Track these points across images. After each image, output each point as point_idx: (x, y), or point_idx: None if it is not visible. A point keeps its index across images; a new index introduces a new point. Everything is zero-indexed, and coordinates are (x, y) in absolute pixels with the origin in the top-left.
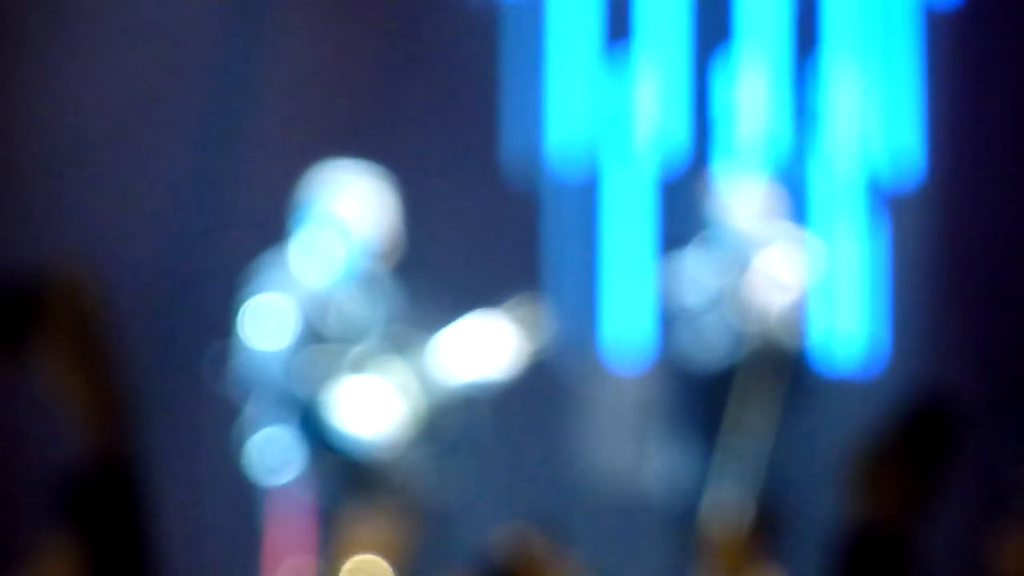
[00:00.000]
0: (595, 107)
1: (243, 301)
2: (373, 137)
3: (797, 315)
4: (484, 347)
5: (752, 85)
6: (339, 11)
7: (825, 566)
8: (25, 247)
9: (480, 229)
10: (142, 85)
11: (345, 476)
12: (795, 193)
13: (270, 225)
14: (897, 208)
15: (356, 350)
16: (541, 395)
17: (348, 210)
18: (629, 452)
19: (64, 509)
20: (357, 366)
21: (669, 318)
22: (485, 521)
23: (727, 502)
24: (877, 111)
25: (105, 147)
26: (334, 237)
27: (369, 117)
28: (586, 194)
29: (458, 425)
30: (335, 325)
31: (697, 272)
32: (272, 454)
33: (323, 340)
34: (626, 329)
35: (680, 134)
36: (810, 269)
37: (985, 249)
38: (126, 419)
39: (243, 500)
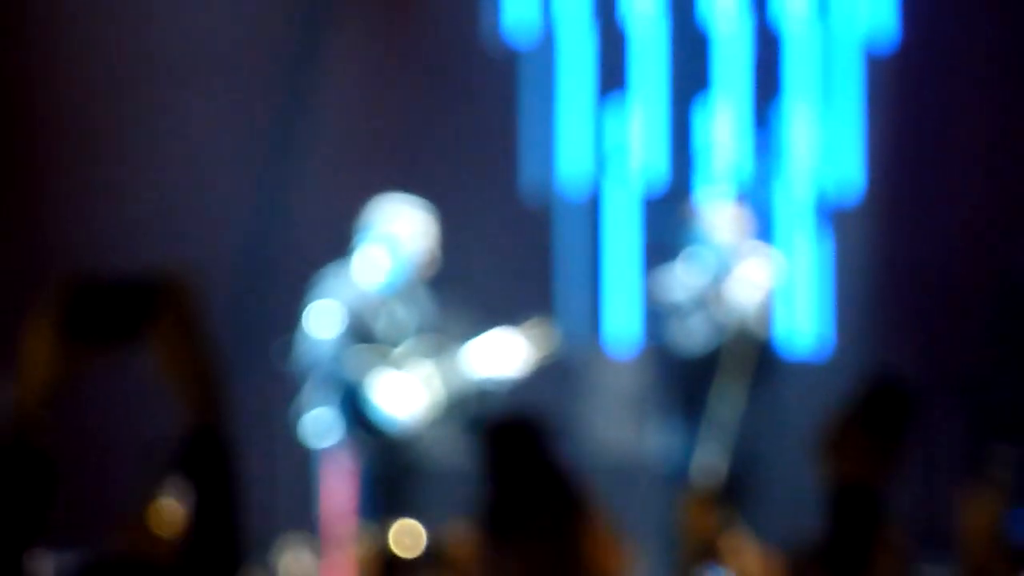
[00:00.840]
0: (596, 141)
1: (308, 302)
2: (412, 163)
3: (765, 311)
4: (502, 353)
5: (724, 124)
6: (386, 61)
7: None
8: (131, 248)
9: (503, 240)
10: (228, 117)
11: (377, 446)
12: (759, 212)
13: (335, 240)
14: (841, 222)
15: (396, 349)
16: (553, 376)
17: (398, 232)
18: (626, 423)
19: (172, 464)
20: (395, 361)
21: (657, 313)
22: None
23: (708, 465)
24: (825, 142)
25: (201, 172)
26: (385, 254)
27: (409, 147)
28: (589, 211)
29: (476, 410)
30: (382, 325)
31: (684, 276)
32: (320, 425)
33: (371, 337)
34: (621, 322)
35: (662, 164)
36: (774, 274)
37: (913, 255)
38: (216, 392)
39: (299, 459)
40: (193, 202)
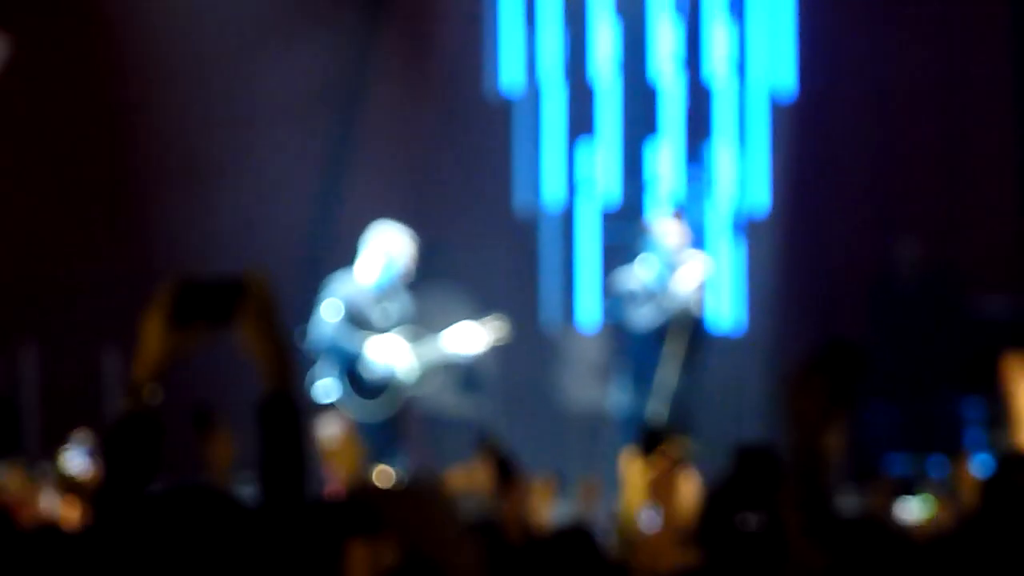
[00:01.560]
0: (569, 171)
1: (320, 298)
2: (431, 185)
3: (699, 299)
4: (468, 338)
5: (666, 158)
6: (411, 109)
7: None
8: (217, 252)
9: (500, 244)
10: (291, 150)
11: (365, 404)
12: (693, 224)
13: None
14: (753, 231)
15: (386, 334)
16: (538, 348)
17: (388, 249)
18: (591, 384)
19: (256, 418)
20: (384, 342)
21: (616, 299)
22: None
23: (656, 420)
24: (742, 171)
25: (269, 192)
26: (378, 264)
27: (428, 173)
28: (564, 224)
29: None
30: (376, 316)
31: (638, 273)
32: (328, 385)
33: (368, 324)
34: (588, 306)
35: (618, 188)
36: (705, 271)
37: (809, 255)
38: (288, 364)
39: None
40: (264, 216)
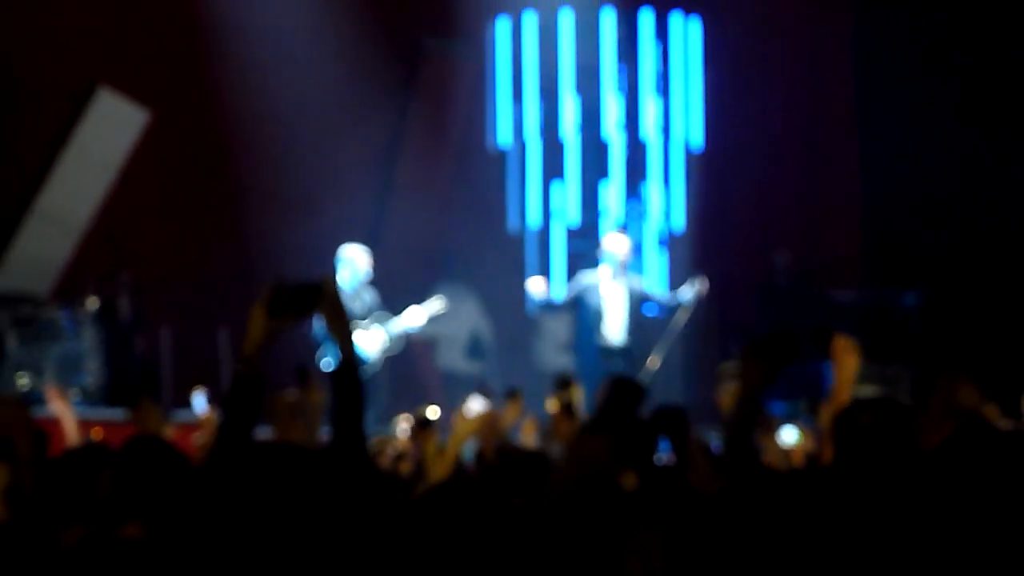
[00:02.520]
0: (544, 202)
1: None
2: (445, 209)
3: (640, 290)
4: (416, 315)
5: (615, 193)
6: (432, 151)
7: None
8: (297, 254)
9: (496, 254)
10: (345, 177)
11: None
12: (634, 239)
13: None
14: (674, 244)
15: (363, 321)
16: (520, 323)
17: (355, 259)
18: (561, 347)
19: (331, 377)
20: (363, 327)
21: (578, 290)
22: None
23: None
24: (666, 200)
25: (330, 204)
26: (351, 270)
27: (443, 199)
28: (542, 239)
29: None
30: (356, 307)
31: (595, 274)
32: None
33: (351, 314)
34: (559, 294)
35: (579, 215)
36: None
37: (714, 261)
38: (351, 342)
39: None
40: (332, 234)
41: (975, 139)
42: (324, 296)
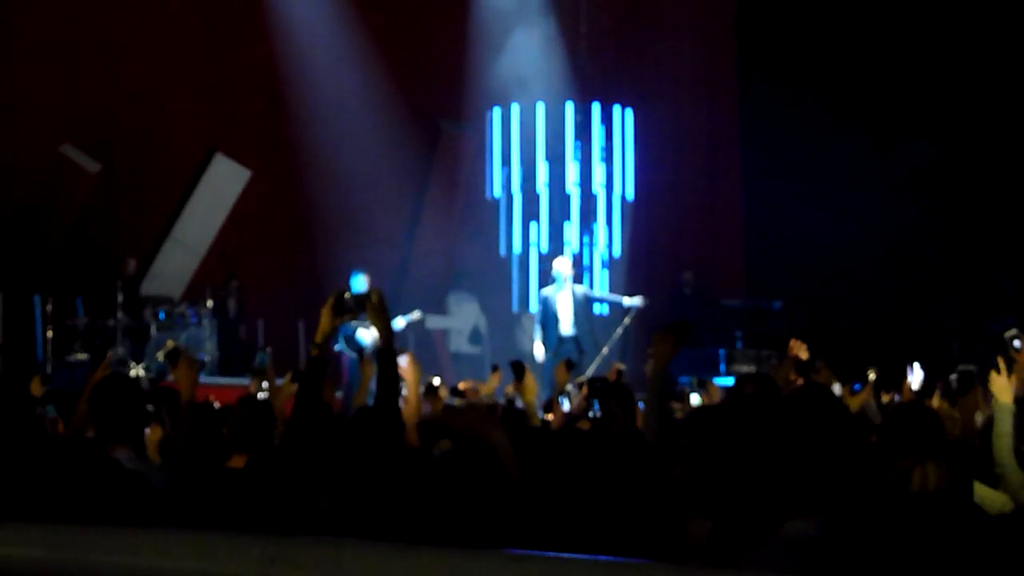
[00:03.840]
0: (524, 236)
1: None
2: (455, 238)
3: (586, 295)
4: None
5: (573, 231)
6: (443, 198)
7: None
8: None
9: (493, 273)
10: (384, 212)
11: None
12: (585, 262)
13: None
14: (612, 267)
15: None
16: (507, 321)
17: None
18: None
19: (374, 358)
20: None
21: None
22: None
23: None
24: (608, 237)
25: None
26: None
27: (453, 231)
28: (522, 262)
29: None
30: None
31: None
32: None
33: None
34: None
35: (546, 246)
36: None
37: (638, 279)
38: (390, 332)
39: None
40: (375, 256)
41: (823, 198)
42: (371, 302)
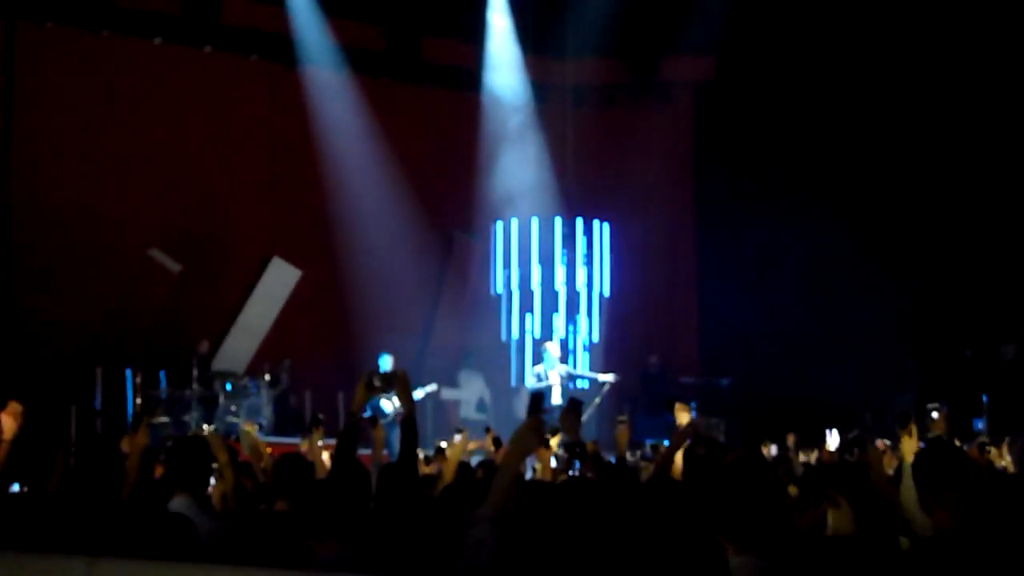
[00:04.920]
0: (522, 325)
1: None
2: (468, 329)
3: (569, 373)
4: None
5: (560, 319)
6: (459, 302)
7: None
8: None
9: (498, 355)
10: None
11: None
12: (568, 346)
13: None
14: (592, 348)
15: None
16: (505, 391)
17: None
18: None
19: (400, 425)
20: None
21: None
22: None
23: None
24: (588, 325)
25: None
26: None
27: (466, 326)
28: (519, 348)
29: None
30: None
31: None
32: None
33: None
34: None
35: (539, 333)
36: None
37: (611, 360)
38: (412, 404)
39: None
40: (395, 334)
41: (762, 294)
42: (397, 380)
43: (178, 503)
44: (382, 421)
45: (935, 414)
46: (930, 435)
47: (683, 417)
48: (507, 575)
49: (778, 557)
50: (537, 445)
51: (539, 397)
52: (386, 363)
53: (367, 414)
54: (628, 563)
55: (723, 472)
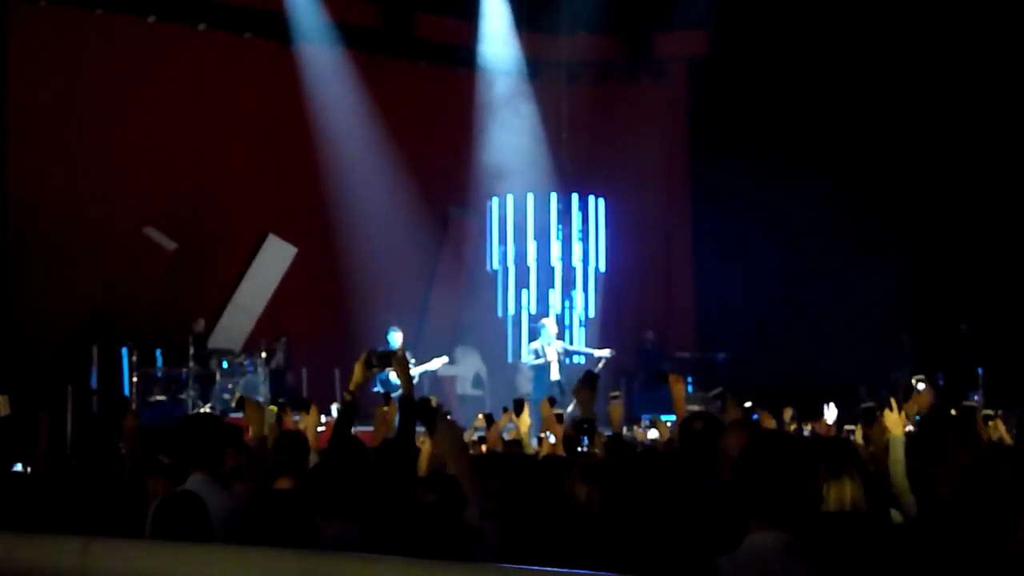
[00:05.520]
0: (518, 301)
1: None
2: (463, 307)
3: (565, 349)
4: (433, 364)
5: (556, 296)
6: (454, 278)
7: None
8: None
9: (492, 331)
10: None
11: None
12: (565, 322)
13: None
14: (589, 323)
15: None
16: (504, 368)
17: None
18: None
19: (399, 405)
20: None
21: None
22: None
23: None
24: (584, 301)
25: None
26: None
27: (462, 304)
28: (516, 323)
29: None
30: None
31: (539, 343)
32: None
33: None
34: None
35: (535, 309)
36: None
37: (608, 335)
38: (410, 382)
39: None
40: (393, 315)
41: (758, 269)
42: (396, 359)
43: (193, 482)
44: (394, 396)
45: (920, 386)
46: (916, 409)
47: (678, 388)
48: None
49: (805, 532)
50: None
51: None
52: (395, 338)
53: (377, 389)
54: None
55: (754, 446)
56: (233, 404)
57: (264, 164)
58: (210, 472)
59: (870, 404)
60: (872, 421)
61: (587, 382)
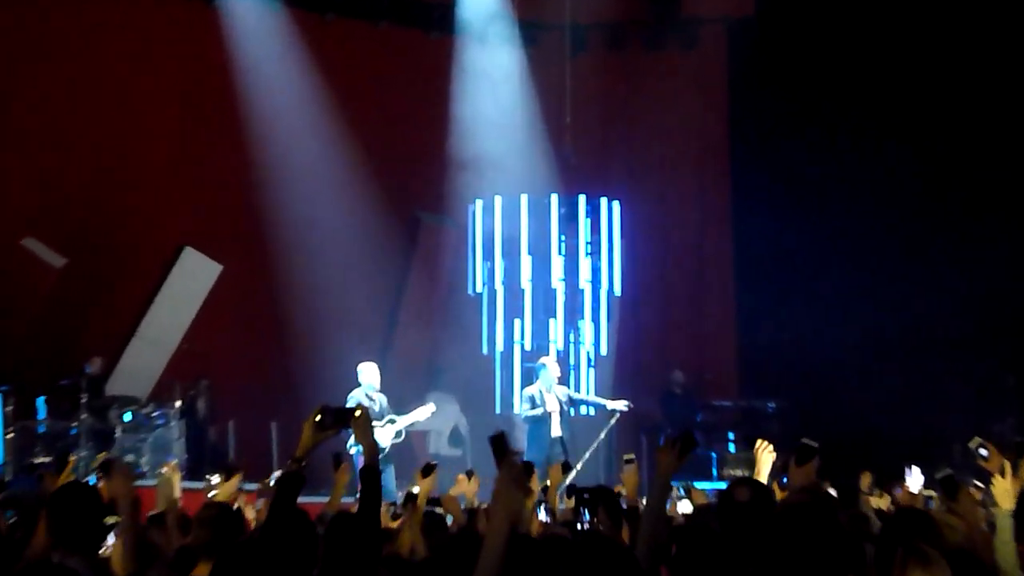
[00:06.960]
0: (507, 332)
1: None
2: (441, 336)
3: (570, 397)
4: (419, 415)
5: (557, 326)
6: (429, 300)
7: None
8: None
9: (475, 367)
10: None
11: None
12: (571, 359)
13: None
14: (599, 361)
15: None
16: (491, 417)
17: (368, 374)
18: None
19: (360, 473)
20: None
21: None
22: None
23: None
24: (595, 331)
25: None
26: (365, 381)
27: (439, 332)
28: (505, 358)
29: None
30: (375, 407)
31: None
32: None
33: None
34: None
35: (531, 342)
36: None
37: (624, 375)
38: (374, 451)
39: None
40: (349, 350)
41: (819, 296)
42: (356, 420)
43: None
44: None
45: (984, 451)
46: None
47: (667, 464)
48: None
49: None
50: (524, 496)
51: (501, 438)
52: (369, 375)
53: (356, 450)
54: None
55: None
56: (94, 469)
57: (181, 159)
58: (84, 556)
59: (947, 473)
60: (954, 493)
61: (496, 448)
